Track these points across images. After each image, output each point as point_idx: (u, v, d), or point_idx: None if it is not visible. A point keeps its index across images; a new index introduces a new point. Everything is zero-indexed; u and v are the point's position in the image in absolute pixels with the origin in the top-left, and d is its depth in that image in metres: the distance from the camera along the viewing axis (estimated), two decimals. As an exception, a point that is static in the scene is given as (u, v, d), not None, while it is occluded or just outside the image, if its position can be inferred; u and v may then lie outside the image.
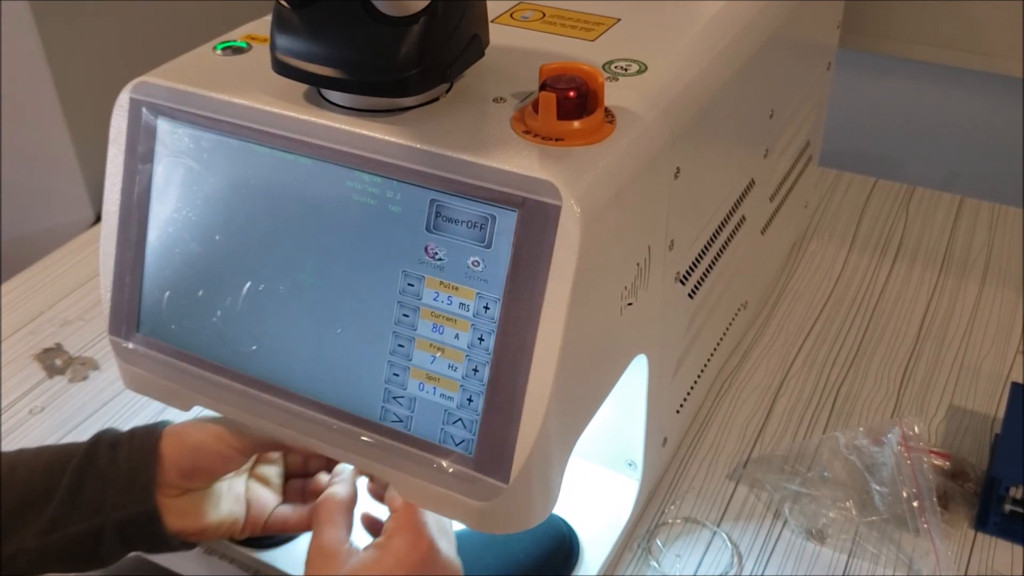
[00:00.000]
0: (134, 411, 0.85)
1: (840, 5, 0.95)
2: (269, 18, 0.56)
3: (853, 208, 1.12)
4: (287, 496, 0.68)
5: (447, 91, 0.57)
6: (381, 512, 0.62)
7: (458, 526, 0.58)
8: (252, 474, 0.67)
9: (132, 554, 0.62)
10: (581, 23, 0.66)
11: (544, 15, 0.68)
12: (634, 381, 0.64)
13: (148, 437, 0.61)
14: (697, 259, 0.69)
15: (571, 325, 0.49)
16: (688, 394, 0.78)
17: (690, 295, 0.70)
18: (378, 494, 0.64)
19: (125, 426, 0.63)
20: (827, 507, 0.74)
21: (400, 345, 0.54)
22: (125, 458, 0.59)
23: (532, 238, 0.49)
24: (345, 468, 0.64)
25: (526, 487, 0.52)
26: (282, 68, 0.54)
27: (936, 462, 0.77)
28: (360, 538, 0.60)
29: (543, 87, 0.53)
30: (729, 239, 0.76)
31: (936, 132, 1.36)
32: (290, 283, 0.57)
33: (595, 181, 0.50)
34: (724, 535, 0.73)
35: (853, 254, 1.04)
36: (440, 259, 0.52)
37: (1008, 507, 0.72)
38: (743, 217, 0.78)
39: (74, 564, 0.60)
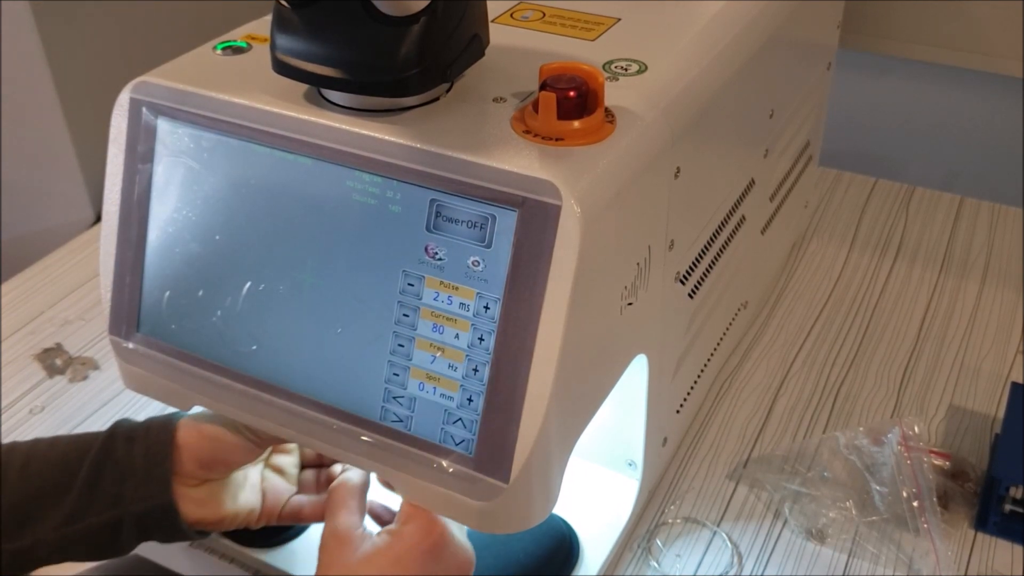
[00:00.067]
0: (134, 411, 0.85)
1: (840, 5, 0.95)
2: (269, 18, 0.56)
3: (853, 208, 1.12)
4: (301, 486, 0.69)
5: (447, 91, 0.57)
6: (391, 500, 0.62)
7: (458, 526, 0.58)
8: (268, 464, 0.68)
9: (132, 554, 0.62)
10: (581, 23, 0.66)
11: (544, 15, 0.68)
12: (634, 381, 0.64)
13: (164, 430, 0.61)
14: (697, 259, 0.69)
15: (571, 325, 0.49)
16: (688, 394, 0.78)
17: (690, 295, 0.70)
18: (389, 483, 0.64)
19: (125, 426, 0.63)
20: (827, 507, 0.74)
21: (400, 345, 0.54)
22: (142, 452, 0.60)
23: (532, 238, 0.49)
24: None
25: (526, 487, 0.52)
26: (282, 68, 0.54)
27: (936, 462, 0.77)
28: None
29: (543, 87, 0.53)
30: (729, 239, 0.76)
31: (936, 132, 1.36)
32: (290, 283, 0.57)
33: (595, 181, 0.50)
34: (724, 535, 0.73)
35: (853, 254, 1.04)
36: (440, 259, 0.52)
37: (1008, 507, 0.72)
38: (743, 217, 0.79)
39: (91, 554, 0.61)
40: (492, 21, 0.65)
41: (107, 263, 0.62)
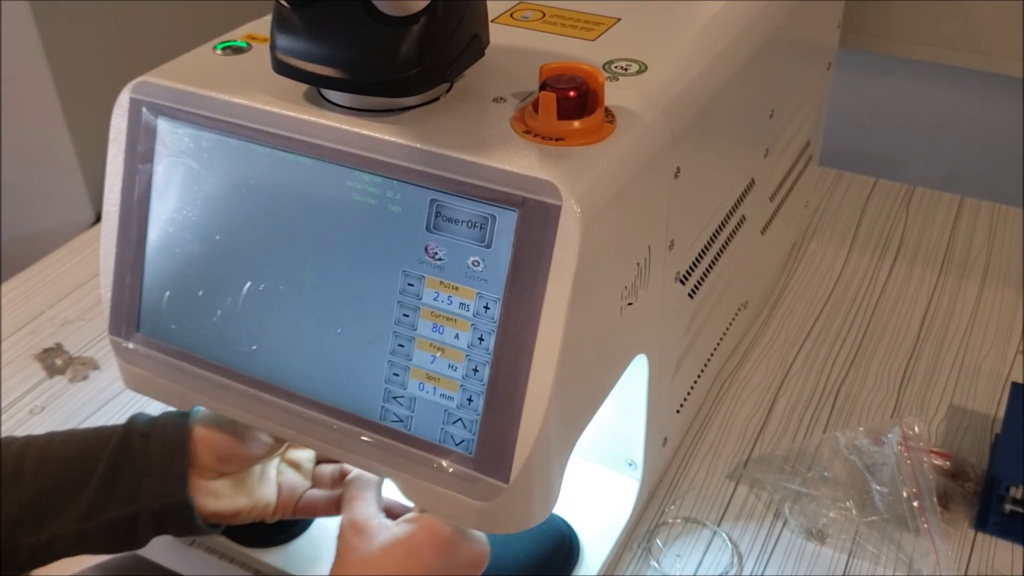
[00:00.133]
0: (134, 411, 0.85)
1: (840, 5, 0.95)
2: (269, 18, 0.56)
3: (853, 208, 1.12)
4: (317, 481, 0.69)
5: (447, 91, 0.57)
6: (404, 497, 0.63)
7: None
8: (284, 458, 0.68)
9: (132, 554, 0.62)
10: (581, 23, 0.66)
11: (544, 15, 0.68)
12: (634, 381, 0.64)
13: (180, 427, 0.61)
14: (697, 259, 0.69)
15: (571, 325, 0.49)
16: (688, 394, 0.78)
17: (690, 295, 0.70)
18: None
19: (125, 426, 0.63)
20: (827, 507, 0.74)
21: (400, 345, 0.54)
22: (158, 449, 0.60)
23: (532, 238, 0.49)
24: None
25: (526, 487, 0.52)
26: (282, 68, 0.54)
27: (936, 462, 0.77)
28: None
29: (543, 87, 0.53)
30: (729, 239, 0.76)
31: (936, 132, 1.36)
32: (290, 283, 0.57)
33: (595, 181, 0.50)
34: (724, 535, 0.73)
35: (853, 254, 1.04)
36: (440, 259, 0.52)
37: (1008, 507, 0.72)
38: (743, 217, 0.78)
39: (108, 547, 0.61)
40: (492, 21, 0.65)
41: (107, 263, 0.62)
